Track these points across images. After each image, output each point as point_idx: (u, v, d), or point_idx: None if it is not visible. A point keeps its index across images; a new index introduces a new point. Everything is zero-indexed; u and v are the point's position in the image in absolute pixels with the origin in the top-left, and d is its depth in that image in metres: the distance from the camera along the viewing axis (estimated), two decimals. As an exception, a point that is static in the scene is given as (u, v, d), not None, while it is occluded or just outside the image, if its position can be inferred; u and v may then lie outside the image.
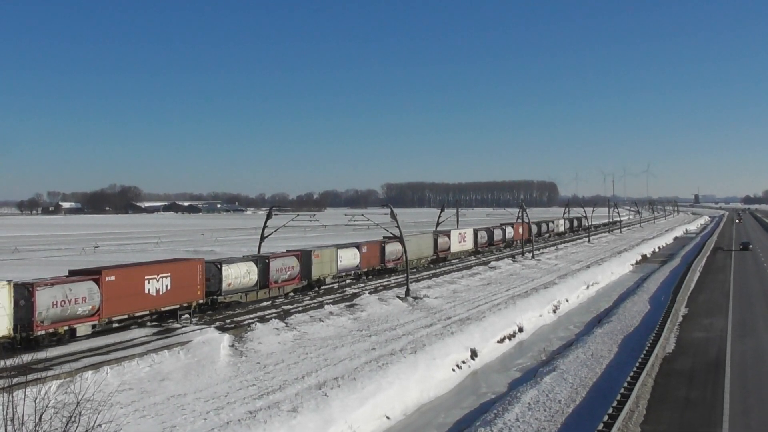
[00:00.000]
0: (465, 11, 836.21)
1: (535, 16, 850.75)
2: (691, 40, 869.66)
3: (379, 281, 64.53)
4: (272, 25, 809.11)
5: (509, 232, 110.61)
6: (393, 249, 69.64)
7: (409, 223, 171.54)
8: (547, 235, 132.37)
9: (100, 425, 18.69)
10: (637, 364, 33.43)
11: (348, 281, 62.81)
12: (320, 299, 52.32)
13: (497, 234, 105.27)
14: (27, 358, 22.63)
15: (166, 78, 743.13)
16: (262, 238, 59.87)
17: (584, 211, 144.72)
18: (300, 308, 47.77)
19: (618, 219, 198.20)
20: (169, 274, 40.91)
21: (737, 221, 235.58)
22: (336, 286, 60.20)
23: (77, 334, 35.36)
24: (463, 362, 41.46)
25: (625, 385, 29.96)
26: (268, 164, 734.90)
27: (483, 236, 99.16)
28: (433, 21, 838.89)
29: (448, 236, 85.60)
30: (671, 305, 50.73)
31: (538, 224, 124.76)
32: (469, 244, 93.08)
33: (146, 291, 39.08)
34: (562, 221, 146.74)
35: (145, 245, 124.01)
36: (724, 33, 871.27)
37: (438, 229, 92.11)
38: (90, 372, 29.16)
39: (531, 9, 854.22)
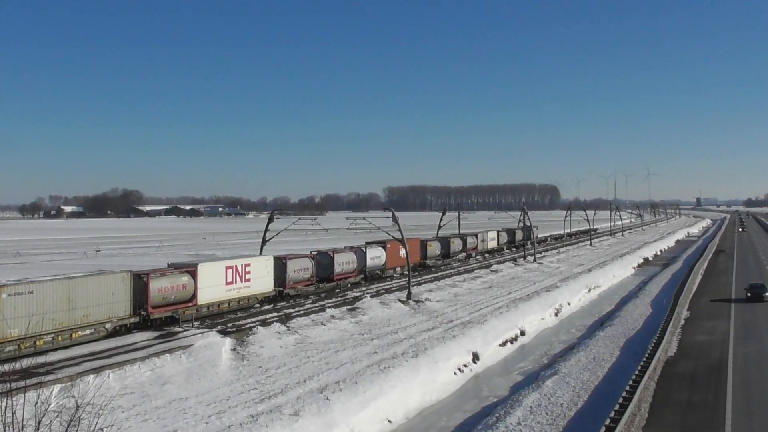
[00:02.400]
0: (465, 13, 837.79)
1: (537, 19, 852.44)
2: (693, 43, 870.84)
3: (381, 285, 64.48)
4: (273, 28, 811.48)
5: (376, 256, 66.91)
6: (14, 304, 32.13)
7: (411, 226, 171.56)
8: (464, 255, 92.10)
9: (101, 429, 18.63)
10: (639, 368, 33.40)
11: None
12: (322, 303, 52.30)
13: (345, 262, 60.43)
14: (27, 362, 22.63)
15: (167, 81, 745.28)
16: (264, 242, 59.89)
17: (585, 214, 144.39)
18: (302, 312, 47.73)
19: (594, 227, 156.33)
20: None
21: (739, 230, 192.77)
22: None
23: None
24: (465, 365, 41.43)
25: (627, 388, 29.91)
26: (269, 168, 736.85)
27: (302, 269, 54.42)
28: (433, 23, 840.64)
29: (193, 274, 42.83)
30: (673, 308, 50.69)
31: (446, 240, 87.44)
32: (260, 287, 49.10)
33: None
34: (494, 234, 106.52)
35: (147, 249, 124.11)
36: (726, 35, 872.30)
37: (228, 256, 57.54)
38: (91, 376, 29.12)
39: (532, 11, 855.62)
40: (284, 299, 52.66)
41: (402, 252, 68.43)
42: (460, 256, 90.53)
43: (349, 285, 61.67)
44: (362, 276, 64.69)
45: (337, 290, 58.83)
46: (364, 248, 66.18)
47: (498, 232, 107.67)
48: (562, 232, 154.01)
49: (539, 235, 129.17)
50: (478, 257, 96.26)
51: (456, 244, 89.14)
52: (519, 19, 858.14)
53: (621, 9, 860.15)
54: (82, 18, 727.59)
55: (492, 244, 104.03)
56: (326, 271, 58.66)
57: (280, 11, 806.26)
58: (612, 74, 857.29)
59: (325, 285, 58.27)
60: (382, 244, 69.56)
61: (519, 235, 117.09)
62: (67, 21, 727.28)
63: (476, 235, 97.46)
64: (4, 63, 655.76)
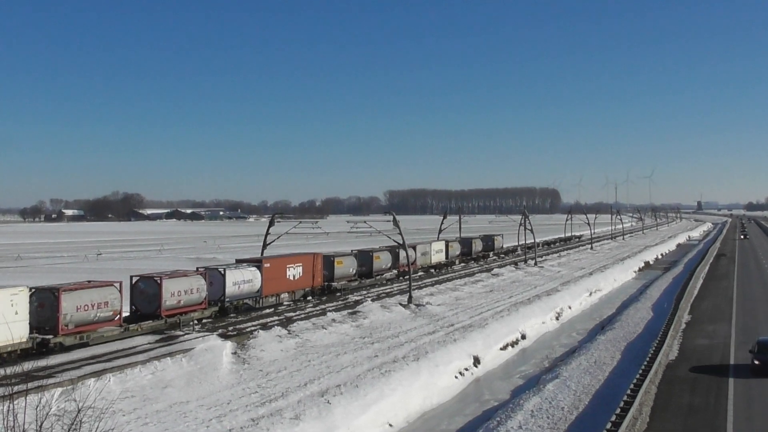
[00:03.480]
0: (466, 15, 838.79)
1: (537, 21, 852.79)
2: (693, 45, 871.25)
3: (382, 289, 64.49)
4: (274, 30, 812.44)
5: (243, 280, 47.46)
6: None
7: (412, 230, 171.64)
8: (393, 274, 70.91)
9: (102, 433, 18.64)
10: (640, 372, 33.37)
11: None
12: (323, 306, 52.31)
13: (183, 291, 42.17)
14: (28, 366, 22.65)
15: (168, 84, 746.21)
16: (265, 246, 59.96)
17: (587, 217, 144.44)
18: (302, 315, 47.75)
19: (578, 234, 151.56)
20: None
21: (741, 237, 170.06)
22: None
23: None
24: (466, 369, 41.43)
25: (628, 392, 29.88)
26: (270, 171, 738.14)
27: (97, 305, 36.16)
28: (433, 26, 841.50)
29: None
30: (674, 312, 50.67)
31: (367, 254, 66.58)
32: None
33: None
34: (440, 245, 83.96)
35: (148, 252, 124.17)
36: (726, 38, 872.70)
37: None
38: (92, 379, 29.12)
39: (532, 13, 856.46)
40: (53, 351, 33.78)
41: (292, 272, 53.18)
42: (388, 275, 69.59)
43: (194, 323, 43.17)
44: (216, 309, 45.43)
45: (175, 330, 40.85)
46: (222, 270, 46.31)
47: (447, 243, 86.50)
48: (533, 240, 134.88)
49: (506, 245, 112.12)
50: (420, 273, 76.21)
51: (382, 260, 68.03)
52: (519, 21, 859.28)
53: (622, 11, 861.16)
54: (82, 18, 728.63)
55: (438, 257, 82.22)
56: (152, 304, 40.74)
57: (281, 14, 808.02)
58: (612, 77, 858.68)
59: (142, 325, 39.45)
60: (256, 262, 50.47)
61: (477, 246, 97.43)
62: (67, 21, 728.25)
63: (414, 247, 75.26)
64: (4, 64, 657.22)
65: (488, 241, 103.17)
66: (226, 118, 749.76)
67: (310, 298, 56.36)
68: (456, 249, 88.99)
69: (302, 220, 73.11)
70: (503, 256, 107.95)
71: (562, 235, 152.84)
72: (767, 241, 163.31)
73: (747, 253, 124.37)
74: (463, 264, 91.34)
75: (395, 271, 71.34)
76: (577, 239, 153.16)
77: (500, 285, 72.08)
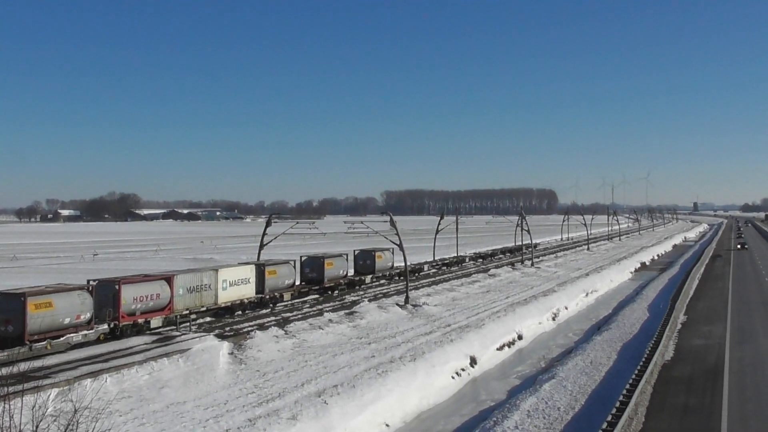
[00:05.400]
0: (462, 17, 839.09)
1: (534, 23, 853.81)
2: (690, 47, 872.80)
3: (379, 289, 64.49)
4: (271, 30, 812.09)
5: None
6: None
7: (409, 230, 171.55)
8: (88, 334, 34.80)
9: (98, 433, 18.65)
10: (636, 372, 33.49)
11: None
12: (320, 307, 52.31)
13: None
14: (24, 366, 22.62)
15: (165, 84, 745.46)
16: (262, 246, 59.94)
17: (584, 218, 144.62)
18: (299, 316, 47.73)
19: (535, 243, 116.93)
20: None
21: (738, 246, 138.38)
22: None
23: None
24: (463, 369, 41.47)
25: (624, 392, 30.00)
26: (267, 172, 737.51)
27: None
28: (431, 28, 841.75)
29: None
30: (670, 313, 50.78)
31: (17, 300, 31.92)
32: None
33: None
34: (243, 272, 48.36)
35: (144, 253, 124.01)
36: (723, 40, 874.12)
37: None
38: (89, 380, 29.08)
39: (529, 15, 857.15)
40: None
41: None
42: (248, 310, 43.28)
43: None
44: None
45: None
46: None
47: (263, 267, 51.37)
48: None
49: (413, 263, 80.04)
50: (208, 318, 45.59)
51: (51, 316, 33.70)
52: (517, 22, 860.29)
53: (619, 12, 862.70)
54: (80, 19, 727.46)
55: (236, 292, 47.83)
56: None
57: (279, 15, 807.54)
58: (610, 78, 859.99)
59: None
60: None
61: (338, 269, 61.24)
62: (65, 22, 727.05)
63: (168, 280, 41.64)
64: (1, 65, 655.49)
65: (365, 259, 68.15)
66: (223, 119, 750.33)
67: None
68: (286, 276, 54.40)
69: (299, 221, 72.90)
70: (395, 278, 72.58)
71: (505, 246, 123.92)
72: (765, 246, 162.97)
73: (743, 255, 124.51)
74: (315, 298, 57.15)
75: (92, 331, 36.89)
76: (536, 246, 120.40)
77: (497, 285, 72.11)
